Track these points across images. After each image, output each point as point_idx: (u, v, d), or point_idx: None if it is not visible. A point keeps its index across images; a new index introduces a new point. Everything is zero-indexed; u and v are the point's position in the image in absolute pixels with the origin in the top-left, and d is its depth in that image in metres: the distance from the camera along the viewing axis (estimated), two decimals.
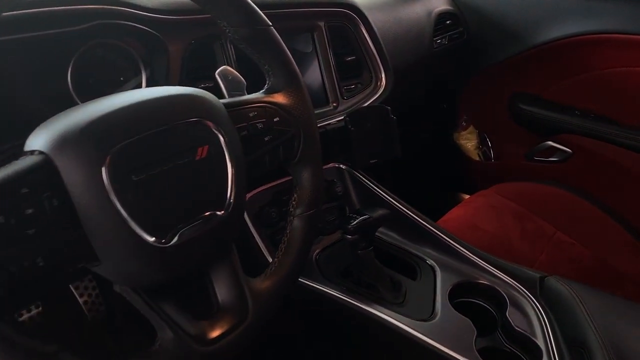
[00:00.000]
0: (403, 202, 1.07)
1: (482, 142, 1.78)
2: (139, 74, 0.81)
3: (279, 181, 0.99)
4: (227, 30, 0.60)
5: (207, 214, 0.53)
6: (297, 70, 0.66)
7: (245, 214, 0.95)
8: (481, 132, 1.78)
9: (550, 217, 1.32)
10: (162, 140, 0.50)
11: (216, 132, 0.54)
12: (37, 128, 0.48)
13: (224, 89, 0.64)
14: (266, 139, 0.61)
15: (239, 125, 0.58)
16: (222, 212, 0.54)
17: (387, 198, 1.07)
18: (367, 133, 1.01)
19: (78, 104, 0.54)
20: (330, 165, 1.10)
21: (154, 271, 0.50)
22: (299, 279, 0.91)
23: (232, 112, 0.58)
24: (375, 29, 1.13)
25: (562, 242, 1.27)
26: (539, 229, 1.29)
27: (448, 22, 1.48)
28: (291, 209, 0.67)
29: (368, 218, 0.87)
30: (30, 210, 0.42)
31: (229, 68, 0.65)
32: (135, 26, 0.75)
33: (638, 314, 0.84)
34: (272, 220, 0.95)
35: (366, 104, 1.11)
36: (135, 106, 0.50)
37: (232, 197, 0.55)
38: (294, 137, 0.64)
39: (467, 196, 1.72)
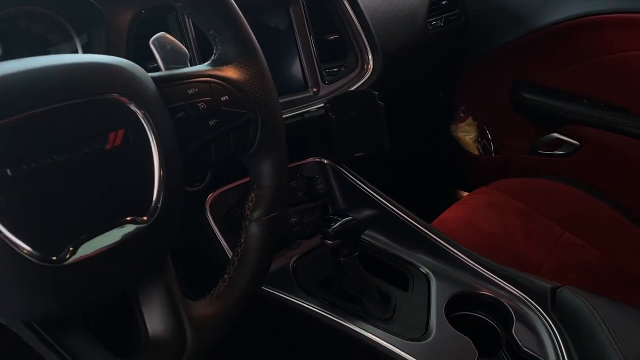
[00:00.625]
0: (393, 201, 0.94)
1: (481, 134, 1.65)
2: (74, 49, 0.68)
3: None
4: None
5: (127, 219, 0.41)
6: (253, 36, 0.53)
7: (210, 216, 0.82)
8: (480, 123, 1.66)
9: (557, 215, 1.20)
10: (56, 122, 0.37)
11: (136, 111, 0.41)
12: None
13: (160, 60, 0.51)
14: (211, 123, 0.48)
15: (173, 105, 0.45)
16: (145, 218, 0.41)
17: (374, 196, 0.95)
18: (350, 122, 0.88)
19: None
20: (311, 159, 0.97)
21: (46, 299, 0.37)
22: (271, 290, 0.79)
23: (164, 88, 0.45)
24: (361, 4, 0.99)
25: (571, 243, 1.15)
26: (546, 229, 1.18)
27: (444, 2, 1.35)
28: (247, 212, 0.54)
29: (351, 220, 0.76)
30: None
31: (167, 35, 0.52)
32: None
33: None
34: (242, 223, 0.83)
35: (351, 89, 0.98)
36: (19, 76, 0.37)
37: (160, 199, 0.42)
38: (248, 122, 0.51)
39: (465, 193, 1.62)
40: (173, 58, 0.51)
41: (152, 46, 0.51)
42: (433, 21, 1.30)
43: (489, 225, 1.17)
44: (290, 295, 0.79)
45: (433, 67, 1.45)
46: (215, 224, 0.82)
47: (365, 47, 1.00)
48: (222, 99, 0.49)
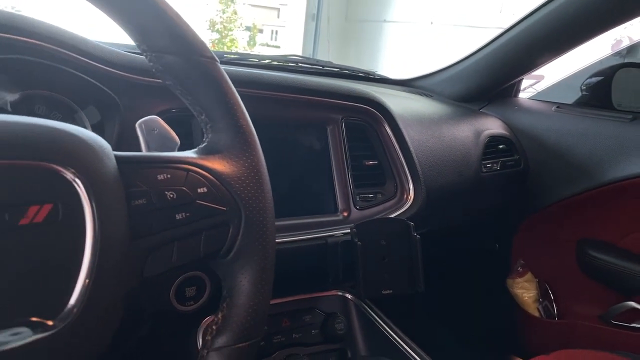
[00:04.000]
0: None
1: (543, 294, 1.45)
2: None
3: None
4: (147, 57, 0.42)
5: (31, 319, 0.31)
6: (251, 126, 0.46)
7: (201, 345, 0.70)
8: (542, 281, 1.46)
9: None
10: None
11: (76, 185, 0.33)
12: None
13: (142, 144, 0.45)
14: (178, 216, 0.40)
15: (133, 189, 0.38)
16: (51, 323, 0.31)
17: (404, 348, 0.79)
18: (380, 253, 0.78)
19: None
20: (333, 292, 0.85)
21: None
22: None
23: (127, 169, 0.38)
24: (406, 135, 0.93)
25: None
26: None
27: (501, 146, 1.28)
28: (208, 337, 0.42)
29: None
30: None
31: (158, 120, 0.46)
32: (75, 75, 0.60)
33: None
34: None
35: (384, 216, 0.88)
36: None
37: (80, 300, 0.32)
38: (228, 222, 0.42)
39: None
40: (158, 143, 0.45)
41: (137, 129, 0.45)
42: (488, 163, 1.22)
43: None
44: None
45: (486, 211, 1.33)
46: None
47: (406, 175, 0.92)
48: (199, 190, 0.41)
